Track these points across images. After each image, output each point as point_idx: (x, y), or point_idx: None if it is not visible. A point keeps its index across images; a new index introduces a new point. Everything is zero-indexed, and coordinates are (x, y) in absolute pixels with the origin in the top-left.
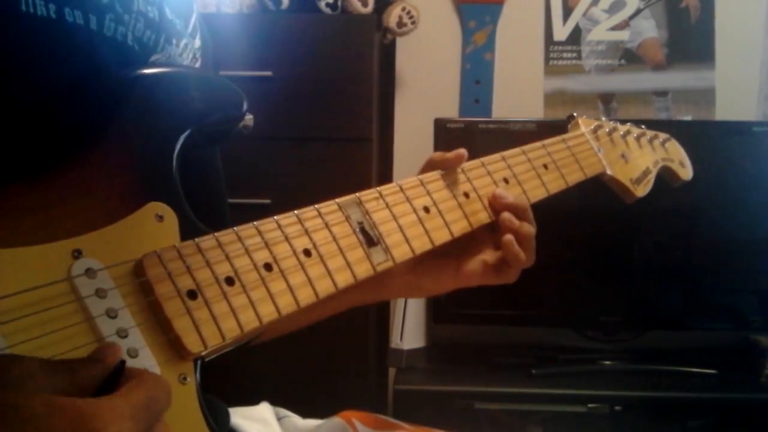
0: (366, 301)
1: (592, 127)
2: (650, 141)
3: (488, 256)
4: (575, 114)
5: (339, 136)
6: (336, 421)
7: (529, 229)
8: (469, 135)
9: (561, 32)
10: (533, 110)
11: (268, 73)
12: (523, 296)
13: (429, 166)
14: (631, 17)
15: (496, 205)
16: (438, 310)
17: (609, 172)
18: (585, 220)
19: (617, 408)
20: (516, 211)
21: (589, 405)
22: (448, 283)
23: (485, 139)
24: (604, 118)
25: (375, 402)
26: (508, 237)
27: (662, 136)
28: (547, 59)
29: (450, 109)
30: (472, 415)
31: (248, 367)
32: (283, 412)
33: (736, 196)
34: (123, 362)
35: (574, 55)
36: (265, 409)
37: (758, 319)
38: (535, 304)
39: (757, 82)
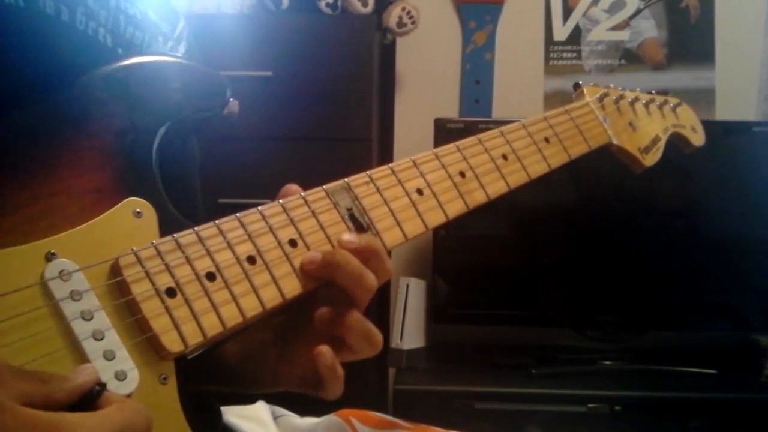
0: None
1: (598, 95)
2: (660, 107)
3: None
4: (581, 82)
5: (339, 136)
6: (333, 419)
7: (356, 317)
8: (469, 135)
9: (561, 32)
10: (533, 110)
11: (268, 73)
12: (523, 296)
13: None
14: (631, 17)
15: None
16: (438, 310)
17: (615, 141)
18: (585, 219)
19: (617, 408)
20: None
21: (589, 405)
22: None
23: None
24: (612, 86)
25: (375, 402)
26: (320, 349)
27: (673, 101)
28: (547, 59)
29: (450, 109)
30: (472, 415)
31: None
32: (280, 410)
33: (736, 196)
34: (103, 385)
35: (574, 55)
36: (261, 407)
37: (758, 319)
38: (535, 304)
39: (757, 82)
